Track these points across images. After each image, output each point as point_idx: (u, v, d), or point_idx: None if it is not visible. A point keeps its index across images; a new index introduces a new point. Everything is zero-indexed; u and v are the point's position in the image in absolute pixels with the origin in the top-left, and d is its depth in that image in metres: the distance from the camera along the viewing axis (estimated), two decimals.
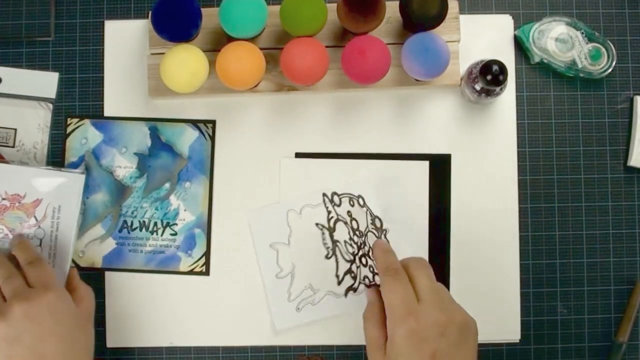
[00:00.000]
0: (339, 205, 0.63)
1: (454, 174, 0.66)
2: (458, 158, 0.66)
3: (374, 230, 0.62)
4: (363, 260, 0.61)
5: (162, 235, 0.66)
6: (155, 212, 0.66)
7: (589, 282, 0.66)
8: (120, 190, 0.66)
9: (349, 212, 0.63)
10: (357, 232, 0.62)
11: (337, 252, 0.63)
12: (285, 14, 0.61)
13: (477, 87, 0.61)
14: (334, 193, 0.64)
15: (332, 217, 0.63)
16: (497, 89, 0.61)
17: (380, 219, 0.63)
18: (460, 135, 0.66)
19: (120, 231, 0.66)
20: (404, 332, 0.50)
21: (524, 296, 0.66)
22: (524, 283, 0.66)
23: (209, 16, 0.64)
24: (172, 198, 0.66)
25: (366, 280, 0.62)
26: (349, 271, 0.63)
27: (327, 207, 0.63)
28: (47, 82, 0.67)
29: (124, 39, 0.67)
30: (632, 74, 0.67)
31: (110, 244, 0.66)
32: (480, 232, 0.66)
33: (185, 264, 0.66)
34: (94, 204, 0.66)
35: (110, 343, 0.66)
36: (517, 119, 0.67)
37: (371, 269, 0.61)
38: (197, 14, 0.61)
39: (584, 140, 0.67)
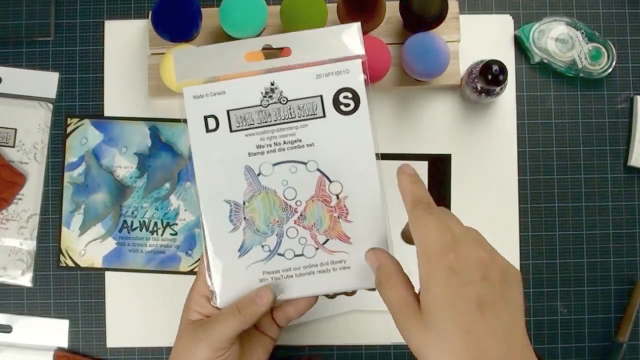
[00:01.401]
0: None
1: (454, 174, 0.66)
2: (458, 158, 0.66)
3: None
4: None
5: (162, 235, 0.66)
6: (156, 212, 0.66)
7: (589, 282, 0.66)
8: (120, 190, 0.66)
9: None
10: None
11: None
12: (285, 14, 0.61)
13: (477, 87, 0.61)
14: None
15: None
16: (497, 89, 0.61)
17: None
18: (460, 135, 0.66)
19: (120, 231, 0.66)
20: (443, 273, 0.41)
21: (524, 296, 0.66)
22: (524, 283, 0.66)
23: (209, 16, 0.64)
24: (172, 198, 0.66)
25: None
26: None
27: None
28: (47, 82, 0.67)
29: (124, 39, 0.67)
30: (632, 74, 0.67)
31: (110, 244, 0.66)
32: (481, 232, 0.66)
33: (185, 264, 0.66)
34: (94, 204, 0.66)
35: (110, 343, 0.66)
36: (517, 119, 0.67)
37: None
38: (197, 14, 0.61)
39: (584, 140, 0.67)
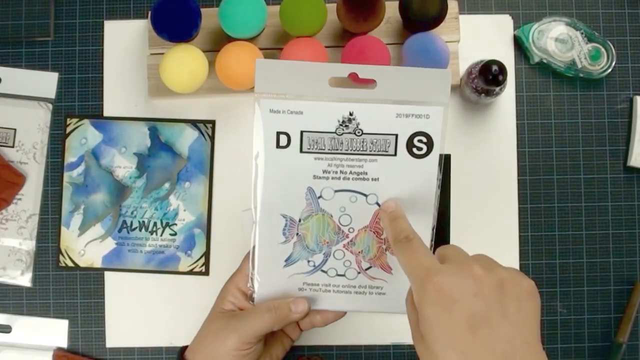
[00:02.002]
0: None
1: (454, 174, 0.66)
2: (458, 158, 0.66)
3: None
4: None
5: (161, 235, 0.66)
6: (155, 212, 0.66)
7: (588, 282, 0.66)
8: (119, 190, 0.66)
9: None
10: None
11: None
12: (285, 14, 0.61)
13: (477, 87, 0.61)
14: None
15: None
16: (497, 89, 0.61)
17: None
18: (460, 135, 0.66)
19: (119, 231, 0.66)
20: (431, 295, 0.40)
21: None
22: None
23: (209, 16, 0.64)
24: (172, 198, 0.66)
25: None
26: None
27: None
28: (46, 82, 0.67)
29: (124, 39, 0.67)
30: (631, 74, 0.67)
31: (109, 244, 0.66)
32: (481, 232, 0.66)
33: (184, 264, 0.66)
34: (93, 204, 0.66)
35: (110, 343, 0.66)
36: (517, 119, 0.67)
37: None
38: (197, 14, 0.61)
39: (583, 140, 0.67)
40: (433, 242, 0.53)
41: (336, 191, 0.53)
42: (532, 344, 0.39)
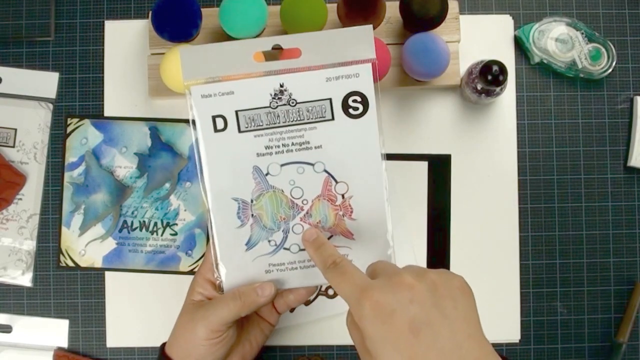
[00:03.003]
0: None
1: (454, 174, 0.66)
2: (458, 158, 0.66)
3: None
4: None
5: (162, 235, 0.66)
6: (156, 212, 0.66)
7: (589, 282, 0.66)
8: (120, 190, 0.66)
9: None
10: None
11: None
12: (285, 14, 0.61)
13: (477, 87, 0.61)
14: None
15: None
16: (497, 89, 0.61)
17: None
18: (460, 135, 0.66)
19: (120, 231, 0.66)
20: (369, 311, 0.41)
21: (523, 296, 0.66)
22: (523, 283, 0.66)
23: (209, 16, 0.64)
24: (172, 198, 0.66)
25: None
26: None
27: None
28: (47, 82, 0.67)
29: (124, 39, 0.67)
30: (632, 74, 0.67)
31: (110, 244, 0.66)
32: (480, 232, 0.66)
33: (185, 264, 0.66)
34: (94, 204, 0.66)
35: (110, 343, 0.66)
36: (517, 119, 0.67)
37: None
38: (197, 14, 0.61)
39: (584, 141, 0.67)
40: (388, 202, 0.53)
41: (282, 165, 0.53)
42: (475, 336, 0.41)
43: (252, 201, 0.53)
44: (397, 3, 0.62)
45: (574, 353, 0.66)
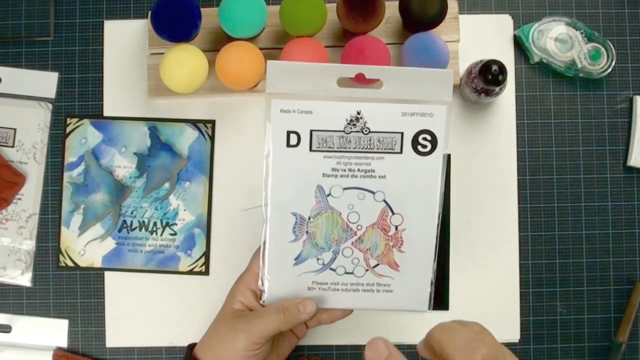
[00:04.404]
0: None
1: (453, 173, 0.66)
2: (458, 158, 0.66)
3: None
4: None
5: (161, 235, 0.66)
6: (155, 212, 0.66)
7: (588, 282, 0.66)
8: (119, 190, 0.66)
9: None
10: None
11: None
12: (284, 14, 0.61)
13: (477, 87, 0.61)
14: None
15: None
16: (497, 88, 0.61)
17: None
18: (460, 135, 0.66)
19: (119, 231, 0.66)
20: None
21: (523, 296, 0.66)
22: (523, 283, 0.66)
23: (209, 16, 0.64)
24: (172, 198, 0.66)
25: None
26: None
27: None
28: (46, 82, 0.67)
29: (124, 39, 0.67)
30: (631, 74, 0.67)
31: (109, 244, 0.66)
32: (480, 232, 0.66)
33: (184, 264, 0.66)
34: (93, 204, 0.66)
35: (110, 343, 0.66)
36: (517, 119, 0.67)
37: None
38: (197, 14, 0.61)
39: (583, 140, 0.67)
40: (437, 240, 0.54)
41: (344, 189, 0.54)
42: None
43: (309, 218, 0.54)
44: (397, 3, 0.62)
45: (574, 353, 0.66)
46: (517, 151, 0.67)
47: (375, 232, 0.54)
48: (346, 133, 0.53)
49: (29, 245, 0.66)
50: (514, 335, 0.66)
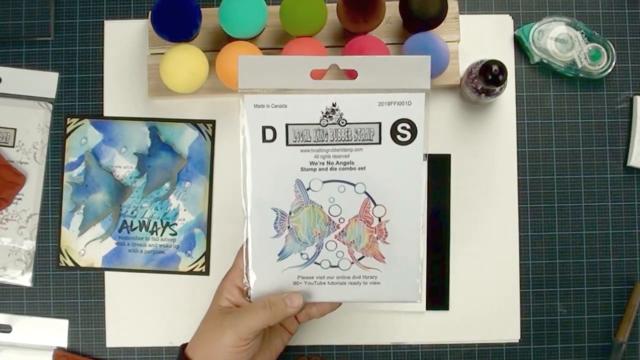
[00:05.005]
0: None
1: (454, 174, 0.66)
2: (458, 158, 0.66)
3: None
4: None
5: (161, 235, 0.66)
6: (155, 212, 0.66)
7: (588, 282, 0.66)
8: (120, 190, 0.66)
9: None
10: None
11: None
12: (285, 14, 0.61)
13: (477, 87, 0.61)
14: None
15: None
16: (497, 89, 0.61)
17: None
18: (460, 135, 0.66)
19: (120, 231, 0.66)
20: None
21: (523, 296, 0.66)
22: (523, 283, 0.66)
23: (209, 16, 0.64)
24: (172, 198, 0.66)
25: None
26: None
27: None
28: (46, 82, 0.67)
29: (124, 39, 0.67)
30: (632, 74, 0.67)
31: (110, 244, 0.66)
32: (480, 232, 0.66)
33: (185, 264, 0.66)
34: (93, 204, 0.66)
35: (110, 343, 0.66)
36: (517, 119, 0.67)
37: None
38: (197, 14, 0.61)
39: (583, 140, 0.67)
40: (424, 229, 0.54)
41: (324, 182, 0.53)
42: None
43: (290, 213, 0.54)
44: (397, 3, 0.62)
45: (574, 353, 0.66)
46: (517, 151, 0.67)
47: (358, 225, 0.54)
48: (322, 126, 0.52)
49: (29, 245, 0.67)
50: (514, 336, 0.66)
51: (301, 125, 0.52)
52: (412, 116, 0.52)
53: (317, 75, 0.53)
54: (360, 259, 0.54)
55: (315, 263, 0.55)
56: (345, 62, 0.52)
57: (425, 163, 0.53)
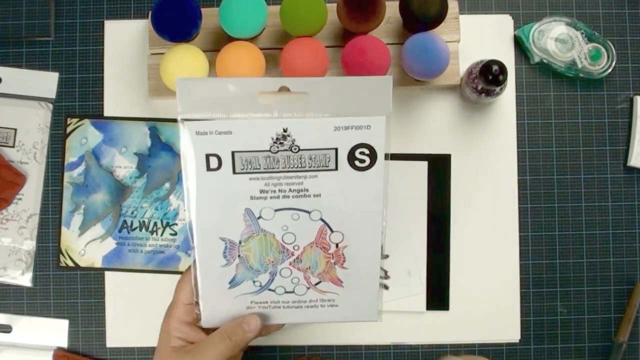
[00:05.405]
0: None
1: (454, 174, 0.66)
2: (458, 158, 0.66)
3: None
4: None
5: (162, 235, 0.66)
6: (155, 212, 0.66)
7: (588, 282, 0.66)
8: (120, 190, 0.66)
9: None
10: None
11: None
12: (285, 14, 0.61)
13: (477, 87, 0.61)
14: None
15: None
16: (497, 89, 0.61)
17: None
18: (460, 135, 0.66)
19: (120, 231, 0.66)
20: None
21: (523, 296, 0.66)
22: (524, 283, 0.66)
23: (209, 16, 0.64)
24: (172, 198, 0.66)
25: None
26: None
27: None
28: (47, 82, 0.67)
29: (124, 39, 0.67)
30: (632, 74, 0.67)
31: (110, 244, 0.66)
32: (480, 232, 0.66)
33: (185, 264, 0.66)
34: (94, 204, 0.66)
35: (110, 343, 0.66)
36: (517, 119, 0.67)
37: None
38: (197, 14, 0.61)
39: (583, 140, 0.67)
40: (382, 256, 0.52)
41: (276, 210, 0.50)
42: None
43: (240, 242, 0.51)
44: (397, 3, 0.62)
45: (574, 353, 0.66)
46: (518, 151, 0.67)
47: (314, 251, 0.52)
48: (273, 152, 0.49)
49: (30, 245, 0.67)
50: (515, 336, 0.66)
51: (249, 153, 0.49)
52: (371, 141, 0.48)
53: (266, 99, 0.49)
54: (317, 284, 0.53)
55: (269, 290, 0.53)
56: (297, 83, 0.48)
57: (386, 187, 0.50)
